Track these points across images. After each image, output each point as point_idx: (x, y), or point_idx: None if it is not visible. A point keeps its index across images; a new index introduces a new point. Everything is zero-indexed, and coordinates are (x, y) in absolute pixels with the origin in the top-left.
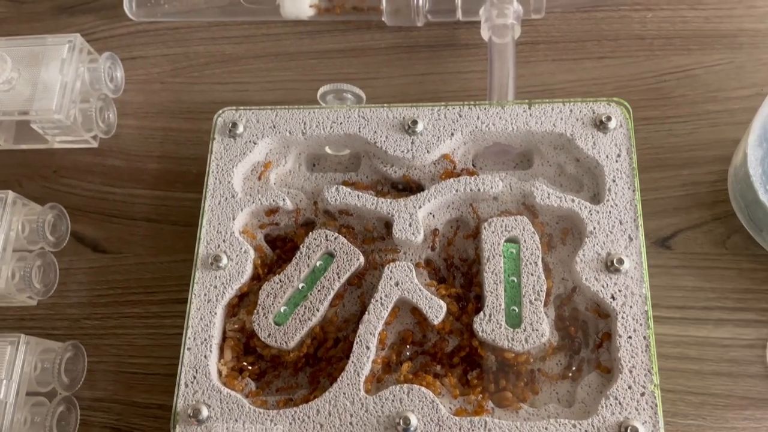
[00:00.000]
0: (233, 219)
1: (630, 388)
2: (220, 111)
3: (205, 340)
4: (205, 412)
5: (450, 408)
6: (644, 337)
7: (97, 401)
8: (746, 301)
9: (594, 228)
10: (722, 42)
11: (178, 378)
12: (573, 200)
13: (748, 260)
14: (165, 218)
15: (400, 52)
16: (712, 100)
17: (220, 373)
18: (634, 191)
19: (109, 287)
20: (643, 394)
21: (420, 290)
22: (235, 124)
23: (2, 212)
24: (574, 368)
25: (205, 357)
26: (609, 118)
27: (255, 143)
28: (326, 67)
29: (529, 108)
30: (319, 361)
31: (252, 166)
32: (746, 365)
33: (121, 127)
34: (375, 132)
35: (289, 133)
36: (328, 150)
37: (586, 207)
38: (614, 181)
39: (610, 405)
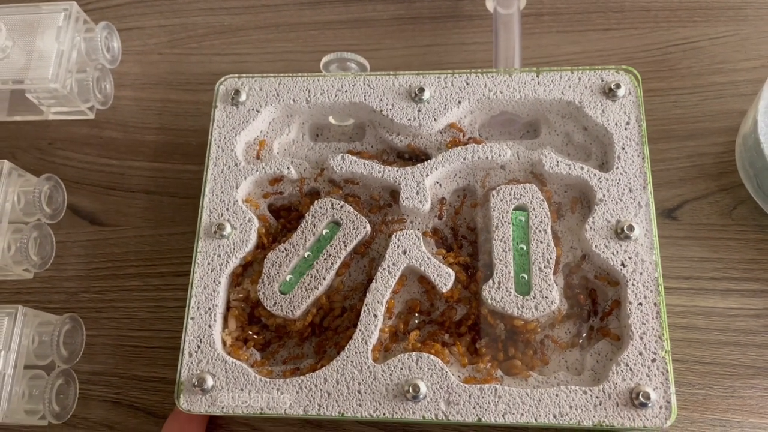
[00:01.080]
0: (236, 187)
1: (641, 354)
2: (222, 79)
3: (209, 309)
4: (210, 382)
5: (459, 376)
6: (655, 304)
7: (96, 375)
8: (752, 271)
9: (603, 195)
10: (727, 14)
11: (181, 347)
12: (582, 168)
13: (754, 230)
14: (164, 190)
15: (403, 24)
16: (718, 72)
17: (224, 342)
18: (643, 159)
19: (107, 260)
20: (654, 360)
21: (428, 258)
22: (237, 92)
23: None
24: (583, 336)
25: (209, 326)
26: (618, 86)
27: (258, 111)
28: (328, 38)
29: (537, 76)
30: (326, 331)
31: (255, 136)
32: (753, 335)
33: (118, 99)
34: (381, 100)
35: (293, 101)
36: (331, 120)
37: (595, 175)
38: (623, 148)
39: (621, 371)
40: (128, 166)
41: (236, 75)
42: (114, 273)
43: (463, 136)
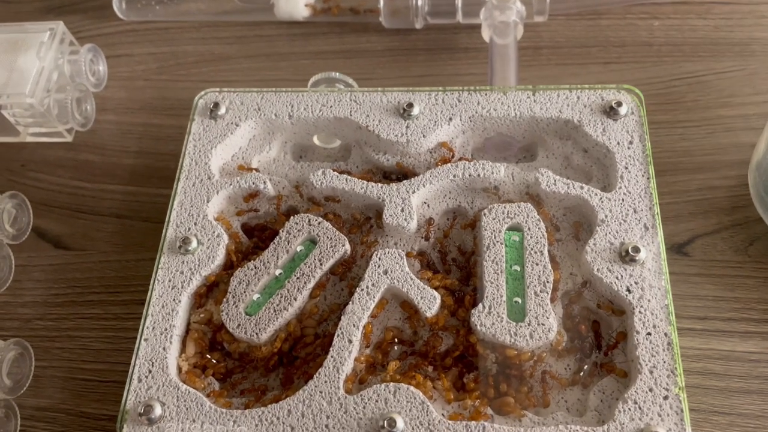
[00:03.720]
0: (207, 201)
1: (651, 390)
2: (203, 92)
3: (166, 330)
4: (158, 410)
5: (443, 413)
6: (665, 334)
7: (40, 410)
8: None
9: (606, 216)
10: (733, 50)
11: (130, 372)
12: (582, 187)
13: None
14: (136, 214)
15: (397, 55)
16: (726, 105)
17: (179, 369)
18: (648, 179)
19: (67, 286)
20: (666, 398)
21: (411, 279)
22: (217, 105)
23: None
24: (585, 372)
25: (164, 349)
26: (619, 104)
27: (237, 125)
28: (319, 68)
29: (534, 94)
30: (295, 360)
31: (233, 152)
32: None
33: (99, 122)
34: (367, 116)
35: (275, 116)
36: (316, 141)
37: (596, 194)
38: (626, 168)
39: (629, 409)
40: (101, 189)
41: (217, 89)
42: (73, 300)
43: (453, 155)
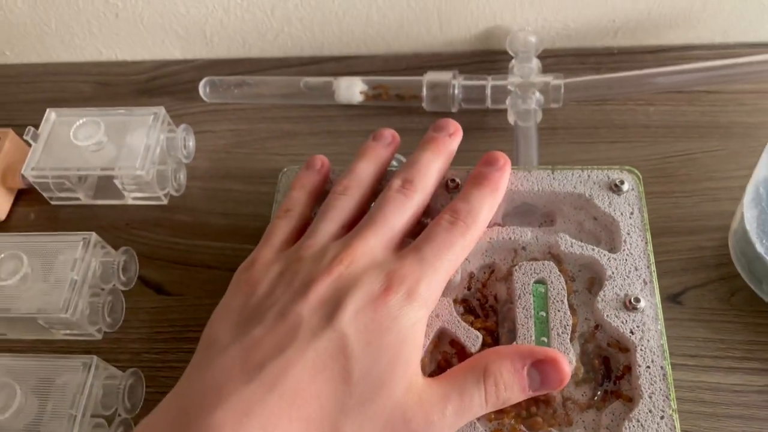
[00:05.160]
0: None
1: (650, 411)
2: (285, 169)
3: None
4: None
5: (486, 430)
6: (661, 367)
7: None
8: (753, 351)
9: (612, 273)
10: (718, 132)
11: None
12: (593, 249)
13: (751, 315)
14: (223, 265)
15: None
16: (711, 179)
17: None
18: (646, 243)
19: (168, 325)
20: (662, 417)
21: (458, 321)
22: None
23: (85, 251)
24: (598, 398)
25: None
26: (622, 182)
27: None
28: None
29: (553, 173)
30: None
31: None
32: (756, 409)
33: (189, 188)
34: None
35: None
36: None
37: (605, 255)
38: (629, 234)
39: (633, 427)
40: (193, 244)
41: (296, 166)
42: (174, 336)
43: (491, 224)
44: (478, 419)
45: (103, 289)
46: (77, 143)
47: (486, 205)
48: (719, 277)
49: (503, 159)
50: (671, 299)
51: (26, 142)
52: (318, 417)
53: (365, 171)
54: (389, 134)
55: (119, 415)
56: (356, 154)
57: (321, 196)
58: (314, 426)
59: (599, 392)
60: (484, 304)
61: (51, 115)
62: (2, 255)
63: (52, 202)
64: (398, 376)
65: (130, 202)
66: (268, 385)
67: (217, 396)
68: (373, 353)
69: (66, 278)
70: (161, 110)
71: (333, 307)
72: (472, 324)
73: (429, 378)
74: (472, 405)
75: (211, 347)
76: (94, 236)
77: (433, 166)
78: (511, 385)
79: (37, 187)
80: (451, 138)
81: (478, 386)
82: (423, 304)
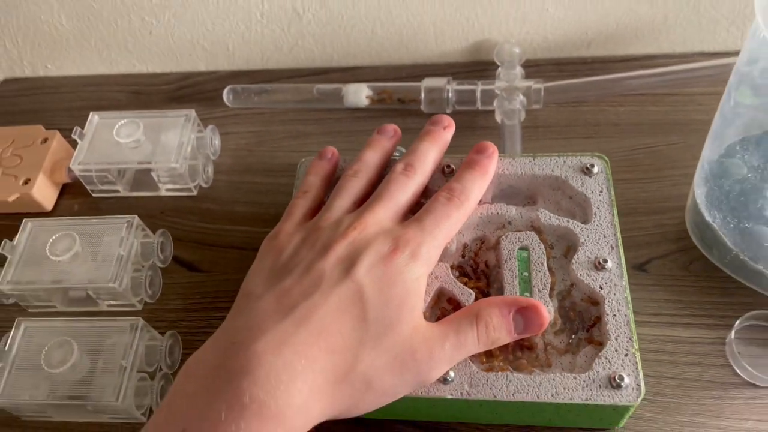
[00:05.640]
0: None
1: (616, 351)
2: (303, 160)
3: None
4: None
5: (479, 369)
6: (625, 315)
7: None
8: (706, 309)
9: (585, 240)
10: (678, 128)
11: None
12: (568, 221)
13: (706, 280)
14: (248, 246)
15: None
16: (672, 167)
17: None
18: (613, 216)
19: (201, 297)
20: (626, 355)
21: (454, 282)
22: None
23: (129, 231)
24: (574, 344)
25: None
26: (593, 165)
27: None
28: None
29: (534, 159)
30: None
31: None
32: (710, 357)
33: (215, 181)
34: None
35: None
36: None
37: (578, 226)
38: (598, 208)
39: (602, 363)
40: (221, 229)
41: (312, 157)
42: (206, 307)
43: (480, 201)
44: (473, 361)
45: (143, 266)
46: (119, 140)
47: (477, 186)
48: (678, 249)
49: (492, 147)
50: (637, 268)
51: (73, 140)
52: (341, 348)
53: (372, 158)
54: (392, 128)
55: (160, 370)
56: (364, 145)
57: (333, 181)
58: (338, 354)
59: (574, 339)
60: (476, 269)
61: (94, 117)
62: (57, 235)
63: (94, 195)
64: (405, 318)
65: (164, 193)
66: (299, 322)
67: (258, 330)
68: (384, 300)
69: (112, 255)
70: (192, 112)
71: (350, 263)
72: (466, 284)
73: (431, 322)
74: (467, 342)
75: (249, 297)
76: (136, 219)
77: (430, 154)
78: (499, 328)
79: (82, 180)
80: (446, 130)
81: (471, 327)
82: (424, 263)
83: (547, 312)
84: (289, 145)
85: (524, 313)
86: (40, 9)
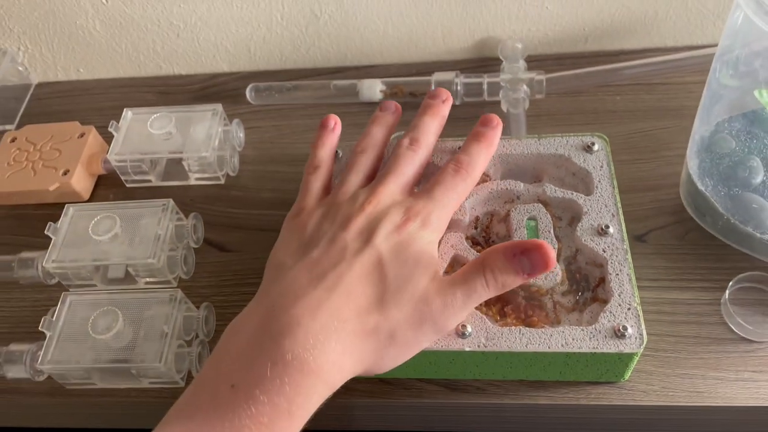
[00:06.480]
0: None
1: (620, 305)
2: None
3: None
4: None
5: (494, 325)
6: (627, 274)
7: None
8: (702, 274)
9: (588, 209)
10: (671, 113)
11: None
12: (573, 194)
13: (701, 248)
14: (273, 228)
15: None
16: (667, 149)
17: None
18: (613, 188)
19: (231, 274)
20: (629, 309)
21: (468, 249)
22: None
23: (164, 213)
24: (580, 302)
25: None
26: (593, 143)
27: None
28: None
29: (539, 140)
30: None
31: None
32: (706, 316)
33: (241, 171)
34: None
35: None
36: None
37: (581, 197)
38: (600, 181)
39: (607, 316)
40: (248, 213)
41: None
42: (236, 283)
43: (489, 178)
44: (488, 318)
45: (178, 246)
46: (153, 132)
47: (482, 157)
48: (675, 221)
49: (496, 119)
50: (638, 239)
51: (107, 136)
52: (366, 307)
53: (378, 134)
54: (392, 104)
55: (197, 337)
56: (369, 121)
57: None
58: (364, 314)
59: (581, 298)
60: (488, 239)
61: (128, 113)
62: (99, 216)
63: (128, 185)
64: (419, 274)
65: (193, 182)
66: (330, 288)
67: (294, 297)
68: (401, 261)
69: (149, 236)
70: (219, 107)
71: (369, 234)
72: (478, 252)
73: (444, 276)
74: (477, 288)
75: (280, 269)
76: (171, 202)
77: (432, 127)
78: (506, 270)
79: (117, 171)
80: (444, 104)
81: (479, 274)
82: (434, 230)
83: (553, 250)
84: (309, 137)
85: (529, 255)
86: (76, 15)
